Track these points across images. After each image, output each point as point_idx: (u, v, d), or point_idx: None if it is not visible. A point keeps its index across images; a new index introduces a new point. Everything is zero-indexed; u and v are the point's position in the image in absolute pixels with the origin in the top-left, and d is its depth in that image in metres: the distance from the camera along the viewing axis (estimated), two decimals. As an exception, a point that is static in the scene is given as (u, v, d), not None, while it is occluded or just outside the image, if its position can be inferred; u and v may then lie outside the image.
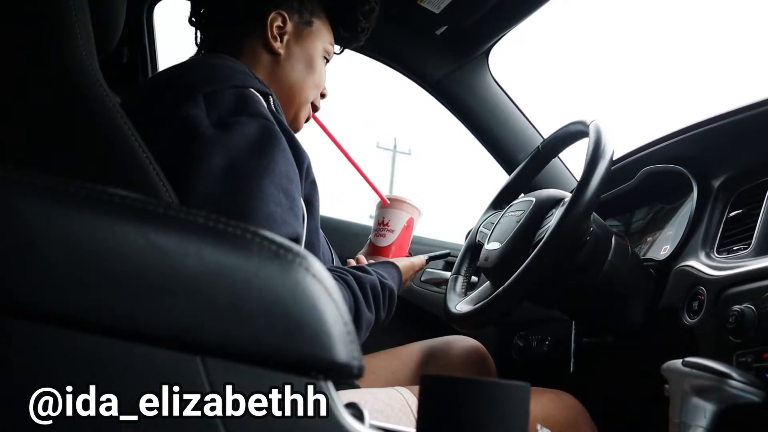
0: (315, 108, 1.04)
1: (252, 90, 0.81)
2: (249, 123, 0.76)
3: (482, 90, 1.50)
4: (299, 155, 0.83)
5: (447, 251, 1.28)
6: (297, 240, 0.77)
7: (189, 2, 1.01)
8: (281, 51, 0.95)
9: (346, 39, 1.05)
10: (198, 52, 1.02)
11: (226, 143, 0.74)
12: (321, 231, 0.95)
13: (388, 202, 1.12)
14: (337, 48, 1.05)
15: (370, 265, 0.98)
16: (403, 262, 1.05)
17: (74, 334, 0.28)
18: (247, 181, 0.73)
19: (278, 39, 0.95)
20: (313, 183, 0.88)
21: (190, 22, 1.01)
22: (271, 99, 0.85)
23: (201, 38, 1.01)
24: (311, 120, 1.05)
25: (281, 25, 0.95)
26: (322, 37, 0.99)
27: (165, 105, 0.77)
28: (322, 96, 1.05)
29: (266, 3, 0.94)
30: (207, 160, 0.72)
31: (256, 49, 0.95)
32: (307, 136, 1.21)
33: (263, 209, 0.72)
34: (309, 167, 0.86)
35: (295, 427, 0.31)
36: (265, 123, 0.78)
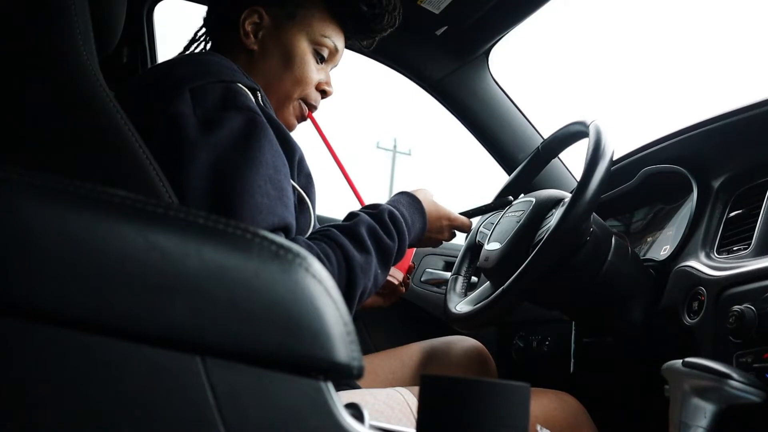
0: (311, 107, 0.98)
1: (239, 85, 0.81)
2: (235, 117, 0.76)
3: (482, 90, 1.50)
4: (290, 147, 0.83)
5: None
6: (287, 229, 0.76)
7: (189, 2, 1.01)
8: (254, 47, 0.93)
9: (355, 30, 0.99)
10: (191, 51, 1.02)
11: (212, 141, 0.74)
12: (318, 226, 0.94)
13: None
14: (337, 42, 0.97)
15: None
16: (426, 198, 0.98)
17: (74, 334, 0.28)
18: (232, 176, 0.73)
19: (251, 35, 0.93)
20: (309, 176, 0.87)
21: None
22: (259, 94, 0.85)
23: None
24: (308, 120, 1.00)
25: (257, 21, 0.93)
26: (308, 29, 0.94)
27: (153, 102, 0.77)
28: (324, 94, 0.99)
29: (239, 1, 0.93)
30: (194, 160, 0.72)
31: (234, 46, 0.94)
32: (306, 136, 1.20)
33: (249, 202, 0.72)
34: (302, 160, 0.85)
35: (295, 428, 0.31)
36: (251, 115, 0.77)
